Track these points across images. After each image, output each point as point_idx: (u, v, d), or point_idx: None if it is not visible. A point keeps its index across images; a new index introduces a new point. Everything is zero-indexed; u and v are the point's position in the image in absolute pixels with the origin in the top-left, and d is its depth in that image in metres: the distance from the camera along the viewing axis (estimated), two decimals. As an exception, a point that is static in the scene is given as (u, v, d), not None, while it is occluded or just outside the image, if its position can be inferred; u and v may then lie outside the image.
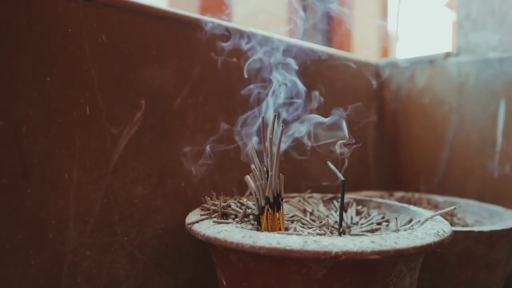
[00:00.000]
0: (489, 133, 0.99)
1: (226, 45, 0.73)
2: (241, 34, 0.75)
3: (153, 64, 0.64)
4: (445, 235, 0.47)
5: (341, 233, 0.55)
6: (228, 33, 0.73)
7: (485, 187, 1.00)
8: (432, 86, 1.10)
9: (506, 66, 0.95)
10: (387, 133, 1.19)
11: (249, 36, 0.76)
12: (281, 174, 0.54)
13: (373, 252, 0.41)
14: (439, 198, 0.92)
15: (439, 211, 0.54)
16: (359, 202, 0.71)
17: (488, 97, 0.99)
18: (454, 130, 1.06)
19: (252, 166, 0.55)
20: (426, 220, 0.53)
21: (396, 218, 0.55)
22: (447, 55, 1.07)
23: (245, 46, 0.76)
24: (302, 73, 0.83)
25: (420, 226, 0.51)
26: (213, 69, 0.72)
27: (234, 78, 0.75)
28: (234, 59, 0.75)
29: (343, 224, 0.62)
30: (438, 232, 0.47)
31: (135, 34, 0.62)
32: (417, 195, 0.93)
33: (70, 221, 0.55)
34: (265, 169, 0.54)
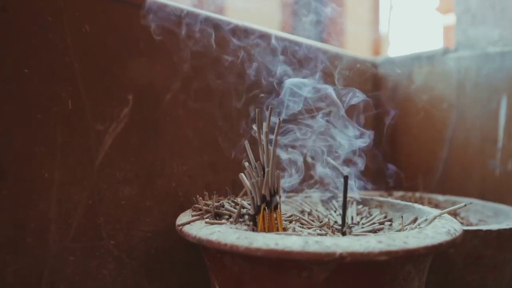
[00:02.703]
0: (490, 130, 0.96)
1: (219, 39, 0.70)
2: (235, 28, 0.72)
3: (141, 58, 0.61)
4: (457, 234, 0.44)
5: (344, 232, 0.51)
6: (221, 27, 0.70)
7: (486, 185, 0.97)
8: (430, 83, 1.07)
9: (507, 61, 0.92)
10: (384, 132, 1.16)
11: (243, 31, 0.73)
12: (278, 171, 0.50)
13: (381, 253, 0.38)
14: (440, 197, 0.89)
15: (448, 209, 0.51)
16: (359, 201, 0.67)
17: (489, 93, 0.96)
18: (454, 127, 1.03)
19: (246, 164, 0.52)
20: (434, 218, 0.49)
21: (401, 217, 0.52)
22: (446, 50, 1.04)
23: (239, 41, 0.73)
24: (296, 69, 0.80)
25: (428, 224, 0.48)
26: (205, 64, 0.68)
27: (227, 74, 0.72)
28: (227, 54, 0.71)
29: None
30: (449, 230, 0.43)
31: (121, 25, 0.58)
32: (417, 194, 0.89)
33: (51, 224, 0.51)
34: (261, 166, 0.50)
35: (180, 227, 0.49)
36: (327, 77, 0.82)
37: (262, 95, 0.74)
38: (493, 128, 0.95)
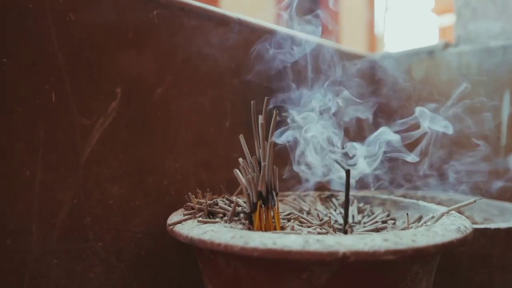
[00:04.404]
0: (493, 127, 0.93)
1: (213, 31, 0.67)
2: (229, 20, 0.69)
3: (130, 49, 0.58)
4: (467, 232, 0.41)
5: (346, 231, 0.48)
6: (214, 19, 0.67)
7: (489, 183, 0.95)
8: (430, 79, 1.04)
9: (510, 55, 0.90)
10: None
11: (237, 23, 0.70)
12: (275, 166, 0.47)
13: (387, 252, 0.35)
14: (442, 196, 0.86)
15: (456, 205, 0.48)
16: (360, 199, 0.64)
17: (491, 88, 0.93)
18: (454, 123, 1.00)
19: (240, 160, 0.49)
20: (442, 215, 0.46)
21: (407, 214, 0.49)
22: (446, 45, 1.01)
23: (233, 34, 0.70)
24: (291, 63, 0.78)
25: (436, 222, 0.45)
26: (198, 57, 0.65)
27: (222, 67, 0.69)
28: (221, 47, 0.68)
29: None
30: (459, 228, 0.40)
31: (109, 14, 0.55)
32: (419, 192, 0.86)
33: (33, 224, 0.48)
34: (256, 160, 0.47)
35: (171, 226, 0.46)
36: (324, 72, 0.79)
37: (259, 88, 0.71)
38: (495, 124, 0.93)
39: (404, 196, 0.86)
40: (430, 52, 1.03)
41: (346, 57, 0.98)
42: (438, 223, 0.43)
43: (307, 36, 0.85)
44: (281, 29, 0.78)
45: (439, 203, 0.83)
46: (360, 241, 0.35)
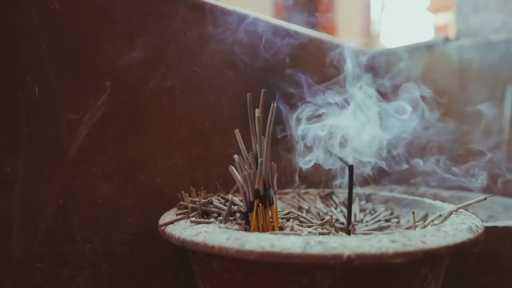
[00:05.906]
0: (495, 122, 0.91)
1: (207, 23, 0.64)
2: (224, 12, 0.66)
3: (120, 40, 0.55)
4: (479, 231, 0.38)
5: (349, 231, 0.45)
6: (208, 10, 0.64)
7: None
8: (431, 74, 1.01)
9: (512, 48, 0.87)
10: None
11: (233, 15, 0.67)
12: (272, 163, 0.44)
13: (396, 255, 0.32)
14: (444, 193, 0.83)
15: (466, 203, 0.45)
16: (362, 197, 0.62)
17: (493, 83, 0.91)
18: (456, 119, 0.98)
19: (236, 157, 0.46)
20: (451, 213, 0.43)
21: (413, 213, 0.46)
22: (447, 39, 0.99)
23: (228, 27, 0.67)
24: (286, 59, 0.75)
25: (444, 221, 0.42)
26: (192, 50, 0.62)
27: (217, 60, 0.66)
28: (216, 39, 0.65)
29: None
30: (470, 227, 0.38)
31: (96, 3, 0.52)
32: (422, 189, 0.84)
33: (13, 226, 0.45)
34: (253, 156, 0.44)
35: (163, 227, 0.43)
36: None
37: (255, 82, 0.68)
38: (498, 120, 0.90)
39: (405, 193, 0.83)
40: (429, 47, 1.01)
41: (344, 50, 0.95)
42: (448, 222, 0.40)
43: (304, 29, 0.83)
44: (278, 21, 0.75)
45: (441, 200, 0.81)
46: (365, 243, 0.33)
